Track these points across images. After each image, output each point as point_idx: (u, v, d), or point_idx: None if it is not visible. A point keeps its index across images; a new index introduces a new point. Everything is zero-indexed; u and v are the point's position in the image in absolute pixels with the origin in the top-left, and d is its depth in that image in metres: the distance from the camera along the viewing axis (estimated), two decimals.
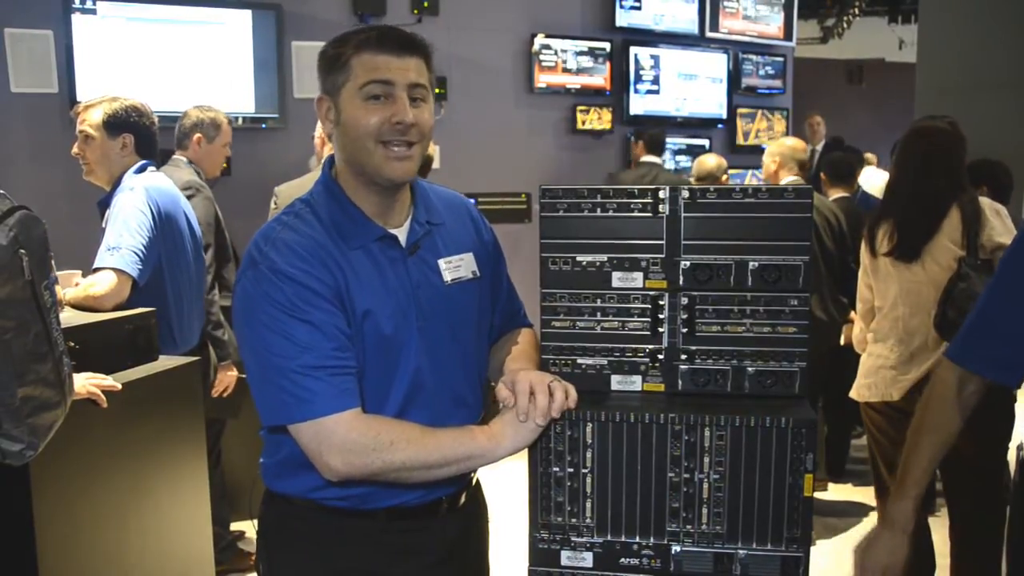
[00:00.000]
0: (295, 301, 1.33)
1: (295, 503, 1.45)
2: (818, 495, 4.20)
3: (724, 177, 4.63)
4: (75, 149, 2.82)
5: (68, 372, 1.76)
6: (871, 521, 3.08)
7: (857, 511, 4.11)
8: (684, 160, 6.07)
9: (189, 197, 3.14)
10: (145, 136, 2.84)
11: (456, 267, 1.49)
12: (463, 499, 1.52)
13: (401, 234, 1.45)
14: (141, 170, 2.82)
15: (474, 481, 1.57)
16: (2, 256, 1.59)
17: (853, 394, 2.90)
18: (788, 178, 3.88)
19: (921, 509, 2.83)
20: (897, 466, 2.78)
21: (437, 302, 1.44)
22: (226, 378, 3.24)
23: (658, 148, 5.13)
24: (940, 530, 2.89)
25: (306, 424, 1.32)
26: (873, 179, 5.80)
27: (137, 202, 2.70)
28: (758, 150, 6.42)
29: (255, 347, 1.35)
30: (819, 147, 7.04)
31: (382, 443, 1.31)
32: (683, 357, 1.42)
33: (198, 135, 3.36)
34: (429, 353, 1.43)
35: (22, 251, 1.62)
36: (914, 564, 2.82)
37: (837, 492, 4.31)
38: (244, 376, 3.22)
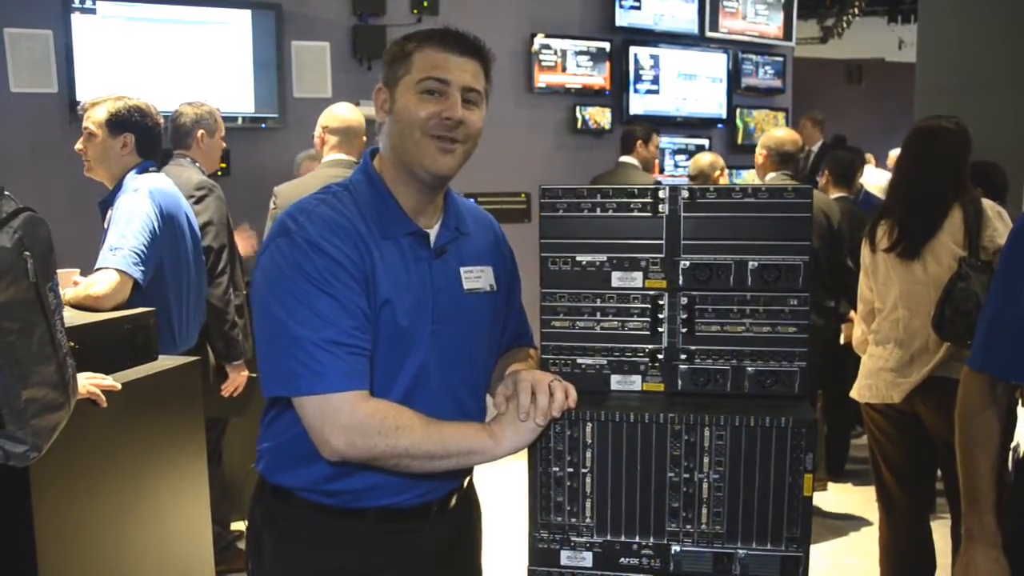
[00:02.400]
0: (324, 274, 1.33)
1: (287, 498, 1.45)
2: (818, 495, 4.20)
3: (717, 174, 4.63)
4: (78, 144, 2.83)
5: (72, 374, 1.76)
6: (871, 521, 3.08)
7: (857, 511, 4.11)
8: (683, 160, 6.07)
9: (202, 198, 3.13)
10: (147, 137, 2.84)
11: (476, 277, 1.50)
12: (453, 502, 1.52)
13: (431, 235, 1.47)
14: (142, 171, 2.82)
15: (466, 484, 1.57)
16: (7, 258, 1.59)
17: (854, 394, 2.91)
18: (771, 174, 3.87)
19: (922, 508, 2.86)
20: (898, 466, 2.81)
21: (454, 308, 1.45)
22: (238, 378, 3.24)
23: (627, 147, 4.93)
24: (940, 530, 2.89)
25: (313, 398, 1.32)
26: (875, 179, 5.80)
27: (140, 203, 2.70)
28: None
29: (275, 314, 1.34)
30: (815, 148, 7.02)
31: (388, 427, 1.31)
32: (683, 357, 1.42)
33: (201, 131, 3.32)
34: (438, 355, 1.43)
35: (27, 253, 1.62)
36: (914, 564, 2.85)
37: (837, 492, 4.31)
38: (255, 375, 3.24)
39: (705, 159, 4.76)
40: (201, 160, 3.35)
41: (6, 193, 1.67)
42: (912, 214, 2.70)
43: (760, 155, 3.92)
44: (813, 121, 7.09)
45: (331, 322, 1.32)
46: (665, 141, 6.12)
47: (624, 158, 4.92)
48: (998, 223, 2.64)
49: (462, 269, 1.48)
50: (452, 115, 1.38)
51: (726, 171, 4.85)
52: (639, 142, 4.88)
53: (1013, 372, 1.58)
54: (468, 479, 1.58)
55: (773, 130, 4.19)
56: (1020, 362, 1.56)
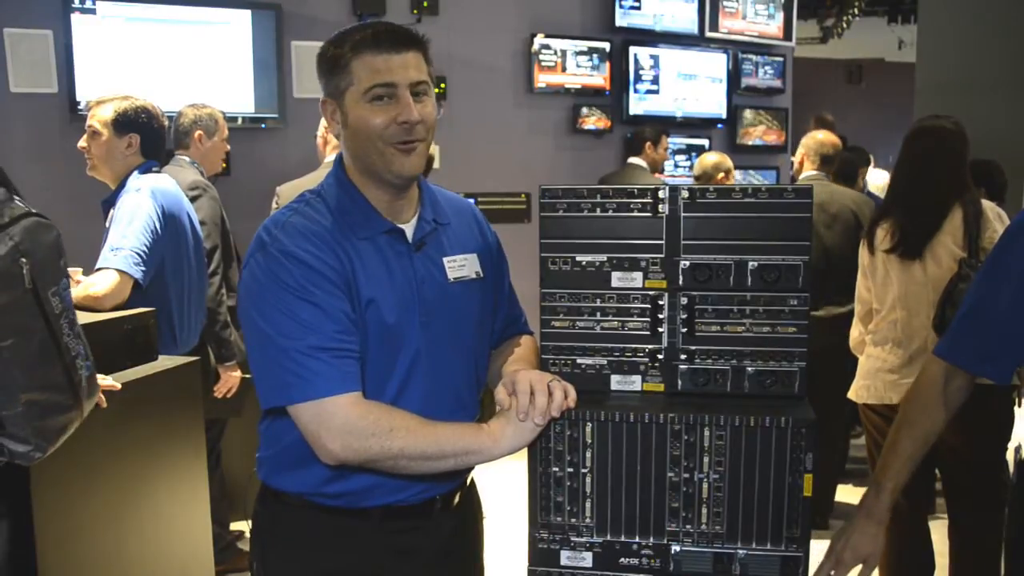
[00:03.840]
0: (302, 283, 1.34)
1: (290, 501, 1.45)
2: None
3: (721, 175, 4.61)
4: (81, 142, 2.83)
5: (86, 376, 1.76)
6: None
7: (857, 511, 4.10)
8: (683, 160, 6.07)
9: (195, 197, 3.13)
10: (152, 138, 2.85)
11: (460, 266, 1.50)
12: (457, 498, 1.53)
13: (408, 230, 1.47)
14: (145, 171, 2.82)
15: (468, 481, 1.58)
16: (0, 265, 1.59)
17: (852, 395, 2.90)
18: (809, 172, 3.89)
19: (922, 509, 2.86)
20: None
21: (440, 299, 1.46)
22: (230, 379, 3.24)
23: (636, 148, 4.95)
24: (940, 530, 2.89)
25: (307, 405, 1.33)
26: (876, 179, 5.79)
27: (142, 203, 2.70)
28: (758, 150, 6.42)
29: (260, 327, 1.36)
30: None
31: (382, 428, 1.32)
32: (683, 357, 1.42)
33: (199, 132, 3.35)
34: (429, 348, 1.44)
35: (23, 259, 1.62)
36: (914, 565, 2.85)
37: (837, 492, 4.30)
38: (248, 376, 3.23)
39: (710, 159, 4.75)
40: (200, 161, 3.36)
41: (15, 198, 1.67)
42: (913, 215, 2.70)
43: (799, 153, 3.96)
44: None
45: (314, 329, 1.33)
46: None
47: (632, 159, 4.93)
48: (998, 224, 2.64)
49: (445, 259, 1.49)
50: (409, 118, 1.38)
51: (732, 172, 4.83)
52: (648, 144, 4.88)
53: (975, 364, 1.55)
54: (470, 477, 1.58)
55: (815, 131, 4.17)
56: (985, 356, 1.53)
